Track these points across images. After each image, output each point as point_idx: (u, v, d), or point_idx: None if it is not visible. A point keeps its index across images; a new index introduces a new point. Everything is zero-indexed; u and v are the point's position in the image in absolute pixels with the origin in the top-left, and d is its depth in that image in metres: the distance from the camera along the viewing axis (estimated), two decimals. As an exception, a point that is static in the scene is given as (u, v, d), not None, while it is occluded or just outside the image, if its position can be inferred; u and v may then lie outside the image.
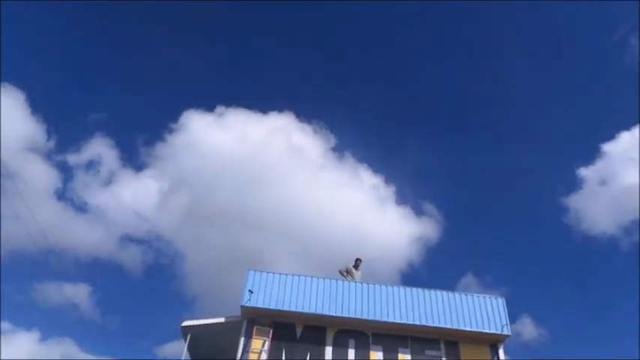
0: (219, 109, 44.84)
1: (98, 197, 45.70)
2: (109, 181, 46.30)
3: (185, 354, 11.94)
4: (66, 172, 46.02)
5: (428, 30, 46.08)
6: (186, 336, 11.81)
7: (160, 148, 46.24)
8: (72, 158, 47.78)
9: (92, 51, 45.96)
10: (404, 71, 48.99)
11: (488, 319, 11.63)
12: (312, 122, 51.17)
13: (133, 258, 46.50)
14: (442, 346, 11.44)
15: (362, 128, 48.67)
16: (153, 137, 64.83)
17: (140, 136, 52.22)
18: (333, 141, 48.13)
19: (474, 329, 11.41)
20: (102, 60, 47.54)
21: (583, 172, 45.44)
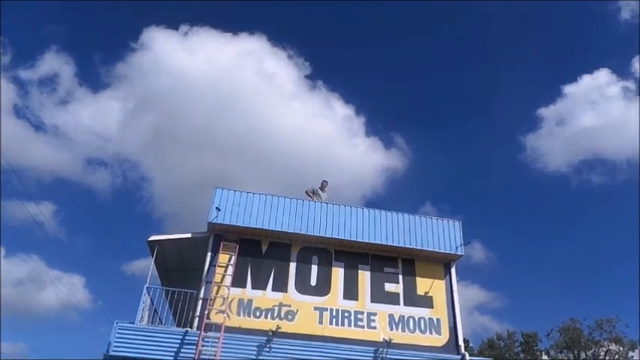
0: (184, 27, 42.56)
1: (56, 117, 43.93)
2: (65, 101, 44.36)
3: (152, 268, 12.20)
4: (22, 88, 43.67)
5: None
6: (153, 250, 12.01)
7: (121, 68, 44.20)
8: (26, 74, 45.19)
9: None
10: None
11: (444, 240, 12.25)
12: (287, 48, 49.65)
13: (99, 179, 45.78)
14: (400, 264, 12.13)
15: (338, 56, 47.65)
16: (112, 56, 61.75)
17: (97, 54, 49.60)
18: (308, 69, 46.98)
19: (430, 249, 12.07)
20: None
21: (543, 112, 46.43)
